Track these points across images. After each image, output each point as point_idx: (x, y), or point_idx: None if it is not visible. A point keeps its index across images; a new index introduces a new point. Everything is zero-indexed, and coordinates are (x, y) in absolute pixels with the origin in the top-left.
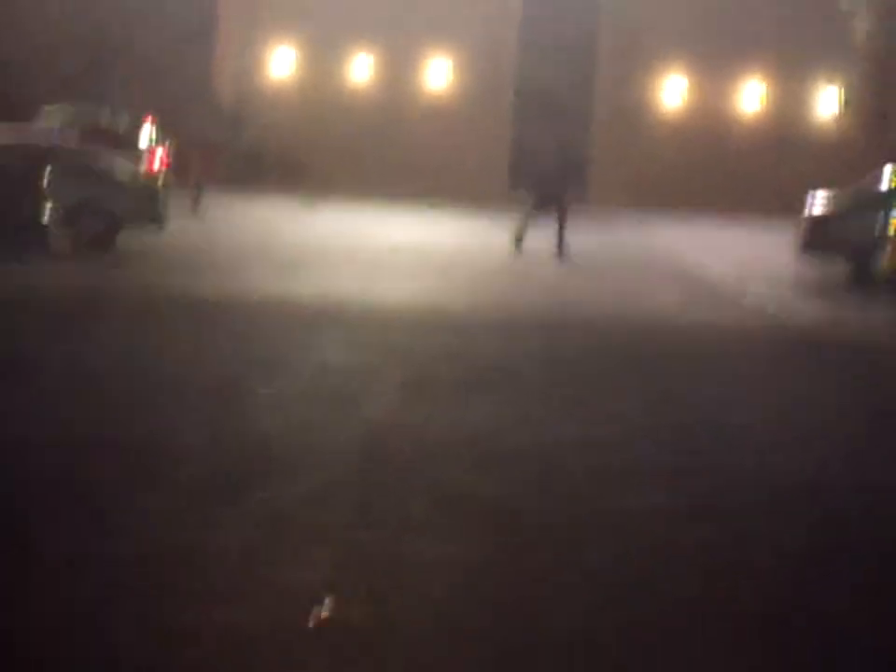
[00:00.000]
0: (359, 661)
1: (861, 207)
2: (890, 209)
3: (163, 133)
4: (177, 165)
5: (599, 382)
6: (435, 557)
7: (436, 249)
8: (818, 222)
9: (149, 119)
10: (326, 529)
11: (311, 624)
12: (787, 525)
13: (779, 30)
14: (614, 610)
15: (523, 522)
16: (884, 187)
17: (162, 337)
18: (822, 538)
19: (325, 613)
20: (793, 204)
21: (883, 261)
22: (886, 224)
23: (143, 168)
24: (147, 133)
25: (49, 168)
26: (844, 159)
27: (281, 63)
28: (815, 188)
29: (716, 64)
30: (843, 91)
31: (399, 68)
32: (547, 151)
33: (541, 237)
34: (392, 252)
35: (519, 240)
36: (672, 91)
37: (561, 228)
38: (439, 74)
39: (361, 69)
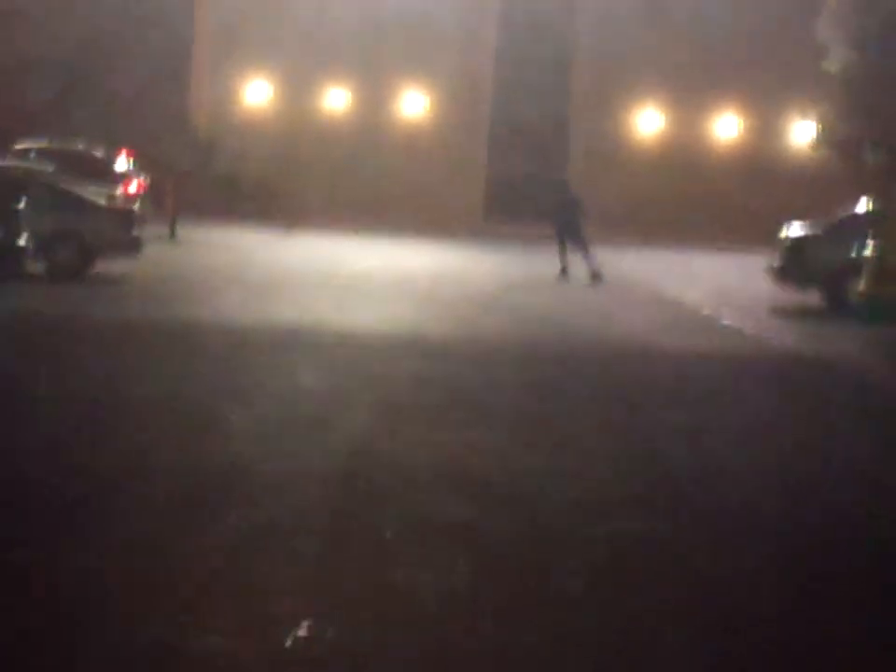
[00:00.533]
0: None
1: (836, 235)
2: (866, 236)
3: (139, 161)
4: (153, 193)
5: (584, 404)
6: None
7: (409, 276)
8: (793, 250)
9: (124, 151)
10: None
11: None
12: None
13: (754, 61)
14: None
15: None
16: (860, 214)
17: (136, 362)
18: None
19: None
20: (769, 233)
21: (860, 287)
22: (861, 251)
23: (118, 197)
24: (122, 162)
25: (24, 195)
26: (819, 188)
27: (257, 92)
28: (790, 217)
29: (691, 96)
30: (818, 121)
31: (374, 98)
32: (551, 185)
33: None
34: (365, 279)
35: (564, 268)
36: (648, 123)
37: (585, 255)
38: (414, 104)
39: (337, 99)
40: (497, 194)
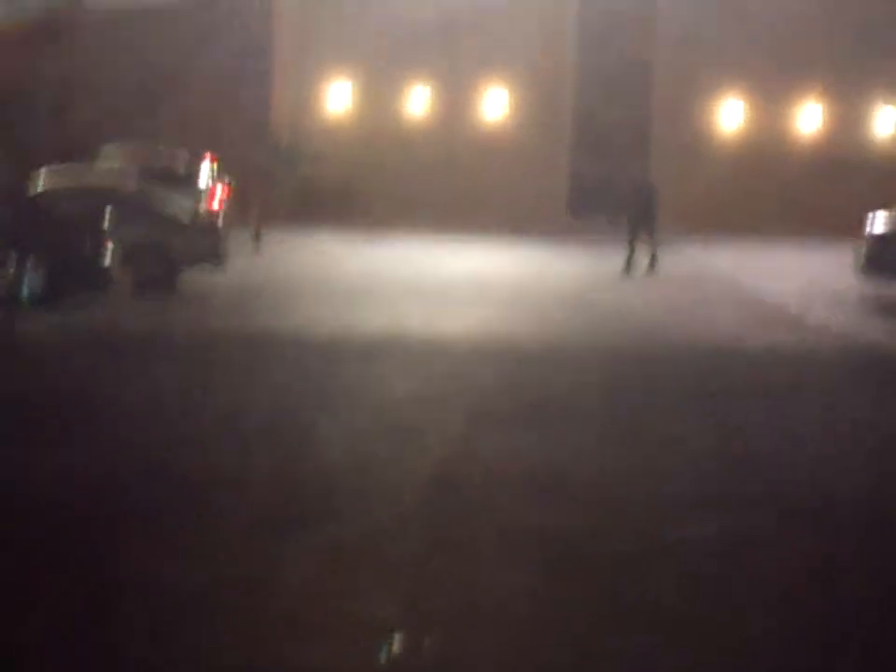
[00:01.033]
0: None
1: None
2: None
3: (222, 170)
4: (237, 203)
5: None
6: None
7: (494, 278)
8: (878, 242)
9: (208, 157)
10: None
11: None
12: None
13: (835, 50)
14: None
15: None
16: None
17: (227, 375)
18: None
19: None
20: (852, 225)
21: None
22: None
23: (203, 207)
24: (206, 172)
25: (109, 209)
26: None
27: (337, 96)
28: (874, 208)
29: (772, 87)
30: None
31: (454, 99)
32: (627, 181)
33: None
34: (452, 282)
35: (629, 266)
36: (729, 117)
37: (653, 253)
38: (495, 104)
39: (417, 101)
40: (578, 194)
